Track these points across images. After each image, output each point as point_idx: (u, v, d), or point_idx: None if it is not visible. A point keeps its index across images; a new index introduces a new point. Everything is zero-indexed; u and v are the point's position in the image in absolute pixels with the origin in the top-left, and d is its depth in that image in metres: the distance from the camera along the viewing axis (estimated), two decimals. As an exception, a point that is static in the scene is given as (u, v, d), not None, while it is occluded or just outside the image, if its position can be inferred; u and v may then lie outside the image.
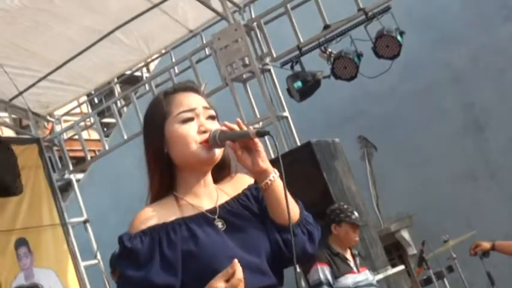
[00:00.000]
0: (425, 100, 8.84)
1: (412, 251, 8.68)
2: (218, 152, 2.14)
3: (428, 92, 8.85)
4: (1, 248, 7.68)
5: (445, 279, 5.59)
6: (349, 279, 5.06)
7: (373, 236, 6.83)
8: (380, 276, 5.59)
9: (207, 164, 2.15)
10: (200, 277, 2.02)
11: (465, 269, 5.97)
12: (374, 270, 5.63)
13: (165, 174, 2.18)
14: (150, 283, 2.00)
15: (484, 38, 8.63)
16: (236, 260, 1.95)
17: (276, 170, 2.14)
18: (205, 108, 2.18)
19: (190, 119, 2.14)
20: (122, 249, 2.08)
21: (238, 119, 2.14)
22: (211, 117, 2.18)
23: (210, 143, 2.10)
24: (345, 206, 5.27)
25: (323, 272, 4.94)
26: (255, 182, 2.23)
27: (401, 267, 7.55)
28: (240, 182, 2.23)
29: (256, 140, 2.08)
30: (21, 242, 7.97)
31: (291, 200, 2.17)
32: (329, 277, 4.95)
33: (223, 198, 2.19)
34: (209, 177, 2.21)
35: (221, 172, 2.24)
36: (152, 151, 2.20)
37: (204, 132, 2.12)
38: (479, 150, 8.79)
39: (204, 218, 2.12)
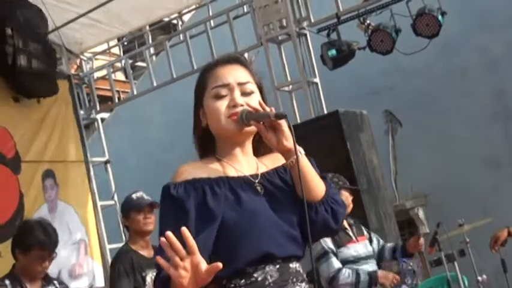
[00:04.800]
0: (457, 83, 8.79)
1: (425, 229, 8.72)
2: (249, 128, 2.21)
3: (462, 75, 8.79)
4: (29, 178, 7.78)
5: (455, 263, 5.61)
6: (351, 249, 5.09)
7: (388, 211, 6.88)
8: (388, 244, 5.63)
9: (237, 136, 2.23)
10: (238, 233, 2.11)
11: (476, 255, 6.00)
12: (385, 244, 5.67)
13: (204, 141, 2.29)
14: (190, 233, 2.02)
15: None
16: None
17: (301, 150, 2.20)
18: (241, 84, 2.24)
19: (224, 95, 2.22)
20: (166, 197, 2.16)
21: (261, 100, 2.21)
22: (247, 93, 2.24)
23: (240, 121, 2.18)
24: (337, 175, 5.23)
25: (325, 242, 4.96)
26: None
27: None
28: (280, 158, 2.27)
29: (282, 120, 2.13)
30: (48, 174, 8.10)
31: (317, 179, 2.24)
32: (332, 247, 4.98)
33: (263, 169, 2.28)
34: (248, 148, 2.30)
35: (263, 146, 2.30)
36: (194, 121, 2.30)
37: (234, 106, 2.20)
38: (506, 138, 8.76)
39: (245, 181, 2.21)
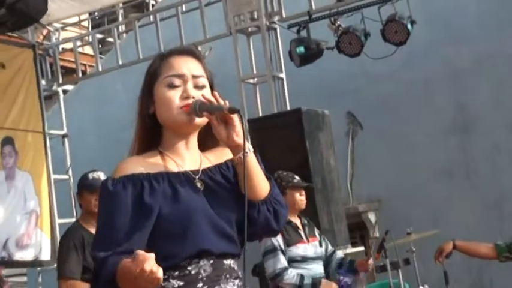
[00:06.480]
0: (420, 92, 8.86)
1: (375, 234, 8.80)
2: (200, 119, 2.21)
3: (425, 85, 8.86)
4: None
5: (399, 271, 5.68)
6: (300, 248, 5.12)
7: (340, 213, 6.93)
8: (339, 252, 5.69)
9: (186, 127, 2.23)
10: (174, 228, 2.14)
11: (421, 264, 6.07)
12: (334, 246, 5.72)
13: (149, 131, 2.27)
14: (125, 228, 2.09)
15: (492, 44, 8.62)
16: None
17: (250, 147, 2.21)
18: (195, 77, 2.25)
19: (177, 85, 2.23)
20: (104, 192, 2.17)
21: (216, 93, 2.21)
22: (200, 87, 2.25)
23: (191, 111, 2.18)
24: (284, 173, 5.21)
25: (276, 239, 4.98)
26: None
27: (361, 248, 7.69)
28: (224, 153, 2.29)
29: (234, 115, 2.14)
30: (7, 141, 8.06)
31: (262, 178, 2.25)
32: (281, 244, 5.01)
33: (206, 164, 2.28)
34: (193, 141, 2.29)
35: (209, 140, 2.30)
36: (140, 107, 2.28)
37: (186, 98, 2.21)
38: (462, 151, 8.85)
39: (185, 176, 2.21)
